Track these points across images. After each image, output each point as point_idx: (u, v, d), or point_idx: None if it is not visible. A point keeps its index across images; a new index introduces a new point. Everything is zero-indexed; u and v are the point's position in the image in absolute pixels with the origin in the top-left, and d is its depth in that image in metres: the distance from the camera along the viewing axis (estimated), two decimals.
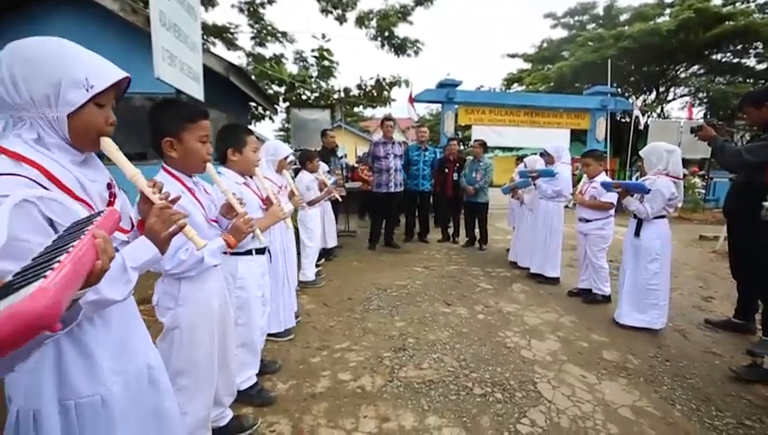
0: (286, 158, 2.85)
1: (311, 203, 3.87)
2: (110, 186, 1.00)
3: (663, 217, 2.97)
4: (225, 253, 1.60)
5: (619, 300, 3.15)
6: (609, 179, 3.52)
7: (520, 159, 5.65)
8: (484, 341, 2.84)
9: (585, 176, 3.73)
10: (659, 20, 15.14)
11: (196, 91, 3.63)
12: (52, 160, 0.85)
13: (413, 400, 2.13)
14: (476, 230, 5.92)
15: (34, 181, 0.80)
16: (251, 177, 2.09)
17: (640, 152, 3.06)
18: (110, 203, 0.97)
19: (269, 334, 2.67)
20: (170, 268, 1.38)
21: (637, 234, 3.01)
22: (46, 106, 0.84)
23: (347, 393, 2.19)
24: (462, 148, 19.87)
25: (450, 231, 6.37)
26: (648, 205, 2.91)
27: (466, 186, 5.62)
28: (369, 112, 15.27)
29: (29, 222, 0.76)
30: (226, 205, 1.57)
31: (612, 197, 3.40)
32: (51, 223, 0.80)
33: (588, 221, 3.61)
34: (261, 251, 2.08)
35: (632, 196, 3.03)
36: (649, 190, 2.93)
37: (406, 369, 2.44)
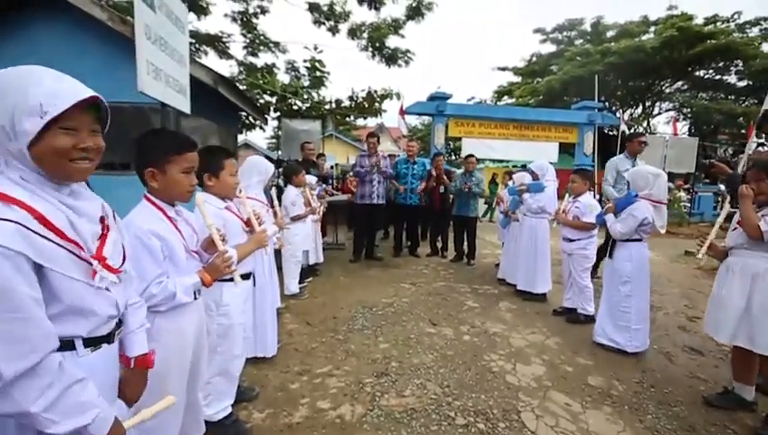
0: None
1: (294, 219, 3.82)
2: (102, 219, 0.98)
3: (638, 240, 2.96)
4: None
5: (597, 319, 3.18)
6: (595, 203, 3.50)
7: (509, 174, 5.65)
8: (469, 365, 2.79)
9: (568, 194, 3.72)
10: (644, 37, 15.57)
11: (182, 104, 3.57)
12: (41, 199, 0.84)
13: (393, 431, 2.07)
14: (465, 244, 5.91)
15: (24, 226, 0.78)
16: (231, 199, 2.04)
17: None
18: (103, 236, 0.96)
19: (252, 358, 2.60)
20: None
21: (611, 255, 3.03)
22: (7, 140, 0.82)
23: (325, 423, 2.12)
24: (453, 158, 20.00)
25: (439, 245, 6.35)
26: (618, 225, 2.93)
27: (463, 185, 5.56)
28: (361, 121, 15.31)
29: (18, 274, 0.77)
30: (208, 239, 1.53)
31: (593, 217, 3.39)
32: (39, 268, 0.81)
33: (571, 241, 3.60)
34: (246, 276, 2.02)
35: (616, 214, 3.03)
36: (637, 195, 2.93)
37: (387, 396, 2.38)
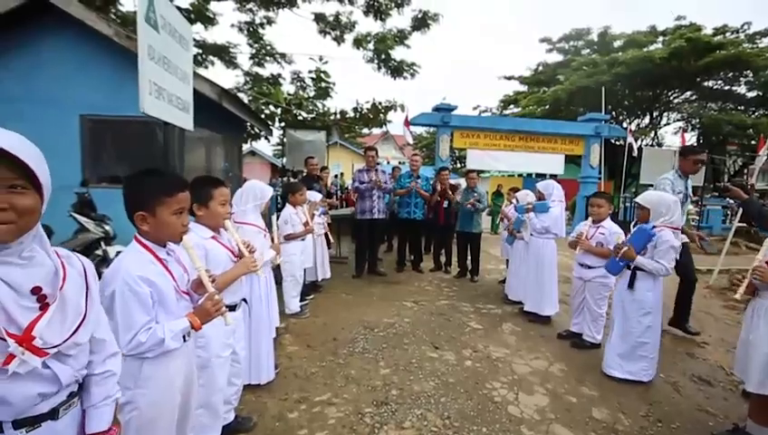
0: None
1: (288, 238, 3.79)
2: (36, 290, 0.86)
3: None
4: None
5: (607, 350, 3.05)
6: (618, 229, 3.33)
7: (513, 190, 5.60)
8: (471, 394, 2.73)
9: (590, 219, 3.55)
10: (652, 47, 15.46)
11: (185, 121, 3.59)
12: None
13: None
14: (468, 260, 5.85)
15: None
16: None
17: (643, 201, 2.88)
18: (44, 308, 0.86)
19: (249, 384, 2.57)
20: (127, 351, 1.29)
21: (630, 286, 2.89)
22: None
23: None
24: (458, 166, 19.94)
25: (442, 260, 6.29)
26: (663, 261, 2.77)
27: (468, 203, 5.53)
28: (366, 129, 15.38)
29: None
30: (197, 281, 1.48)
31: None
32: None
33: (590, 268, 3.44)
34: (232, 307, 1.99)
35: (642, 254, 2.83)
36: (654, 226, 2.81)
37: (386, 428, 2.32)
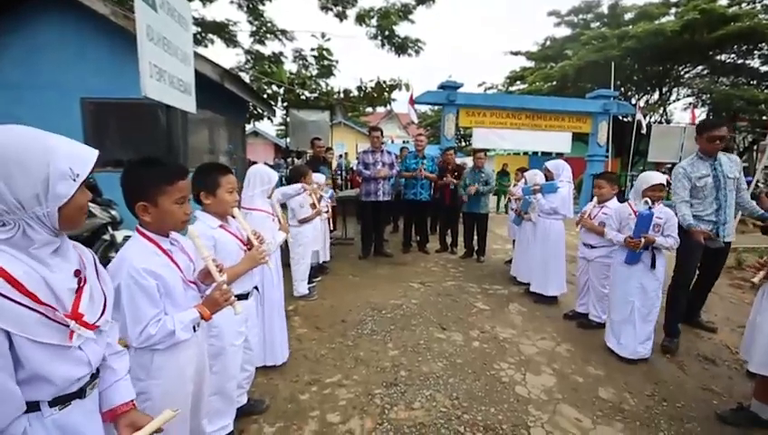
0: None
1: (303, 221, 3.80)
2: (77, 272, 0.97)
3: None
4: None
5: (633, 337, 2.96)
6: (618, 207, 3.27)
7: (521, 170, 5.54)
8: (479, 374, 2.78)
9: (595, 199, 3.54)
10: (664, 20, 14.92)
11: (188, 104, 3.52)
12: (20, 262, 0.85)
13: None
14: (474, 240, 5.86)
15: None
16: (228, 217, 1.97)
17: (666, 181, 2.95)
18: (79, 291, 0.95)
19: (261, 366, 2.62)
20: (138, 344, 1.31)
21: (653, 265, 2.89)
22: (36, 205, 0.85)
23: None
24: (463, 144, 19.56)
25: (448, 241, 6.30)
26: (674, 234, 2.87)
27: (468, 188, 5.51)
28: (370, 108, 15.09)
29: None
30: (204, 271, 1.47)
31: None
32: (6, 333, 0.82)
33: (593, 247, 3.47)
34: (244, 296, 2.00)
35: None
36: (651, 208, 2.85)
37: (396, 409, 2.38)
